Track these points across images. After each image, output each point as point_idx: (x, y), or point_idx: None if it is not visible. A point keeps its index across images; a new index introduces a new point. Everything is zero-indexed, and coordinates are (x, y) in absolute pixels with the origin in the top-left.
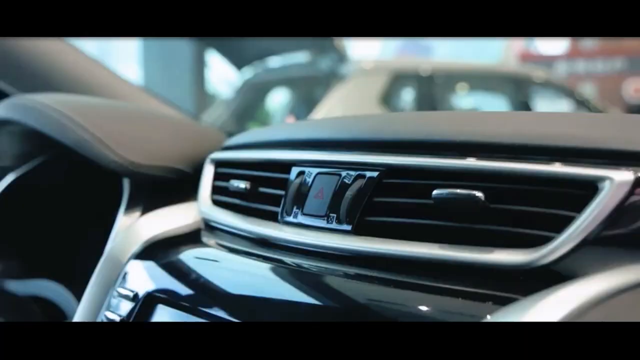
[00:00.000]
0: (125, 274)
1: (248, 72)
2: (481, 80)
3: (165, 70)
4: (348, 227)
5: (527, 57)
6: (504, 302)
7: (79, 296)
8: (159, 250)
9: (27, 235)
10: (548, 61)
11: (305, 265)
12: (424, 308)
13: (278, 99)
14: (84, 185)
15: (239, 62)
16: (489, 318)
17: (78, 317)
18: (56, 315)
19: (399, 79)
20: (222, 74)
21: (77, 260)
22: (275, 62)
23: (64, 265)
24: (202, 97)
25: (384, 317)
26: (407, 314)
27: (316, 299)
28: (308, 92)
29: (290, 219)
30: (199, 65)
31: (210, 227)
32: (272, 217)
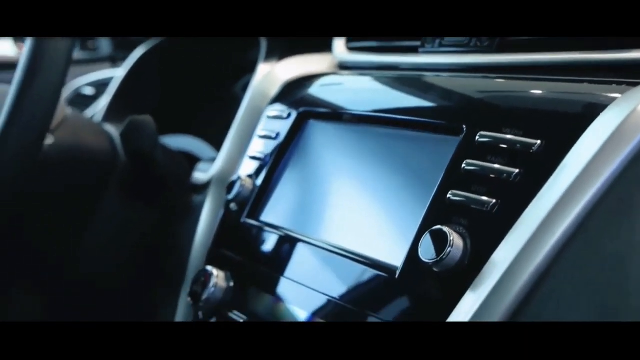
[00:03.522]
0: (271, 107)
1: None
2: None
3: None
4: (490, 46)
5: None
6: None
7: (217, 148)
8: (299, 86)
9: (173, 96)
10: None
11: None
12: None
13: None
14: (214, 56)
15: None
16: None
17: (220, 158)
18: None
19: None
20: None
21: (215, 118)
22: None
23: (204, 123)
24: None
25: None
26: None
27: (459, 101)
28: None
29: (430, 48)
30: None
31: (347, 68)
32: (411, 51)
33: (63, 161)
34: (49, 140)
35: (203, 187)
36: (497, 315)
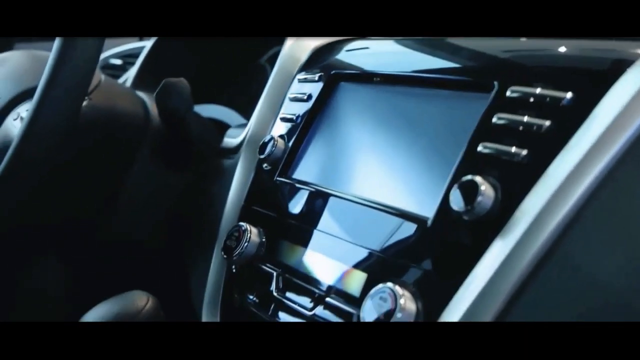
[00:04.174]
0: (299, 73)
1: None
2: None
3: None
4: None
5: None
6: None
7: (246, 116)
8: (328, 50)
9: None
10: None
11: None
12: None
13: None
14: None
15: None
16: None
17: (252, 121)
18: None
19: None
20: None
21: (243, 89)
22: None
23: (232, 93)
24: None
25: None
26: None
27: (489, 59)
28: None
29: None
30: None
31: None
32: None
33: (99, 123)
34: (86, 102)
35: (234, 151)
36: (526, 260)
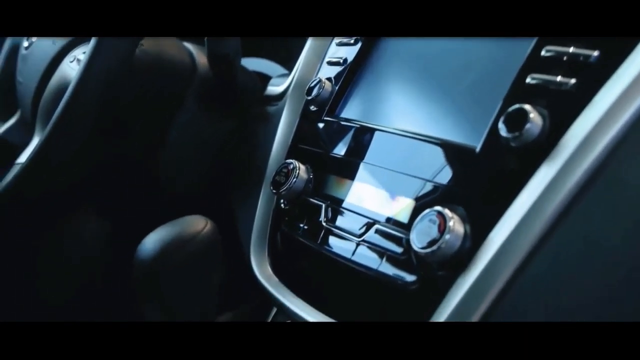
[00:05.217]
0: None
1: None
2: None
3: None
4: None
5: None
6: None
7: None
8: None
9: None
10: None
11: None
12: None
13: None
14: None
15: None
16: None
17: (299, 68)
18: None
19: None
20: None
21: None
22: None
23: (274, 45)
24: None
25: None
26: None
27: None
28: None
29: None
30: None
31: None
32: None
33: (149, 68)
34: (138, 48)
35: (278, 98)
36: (571, 183)
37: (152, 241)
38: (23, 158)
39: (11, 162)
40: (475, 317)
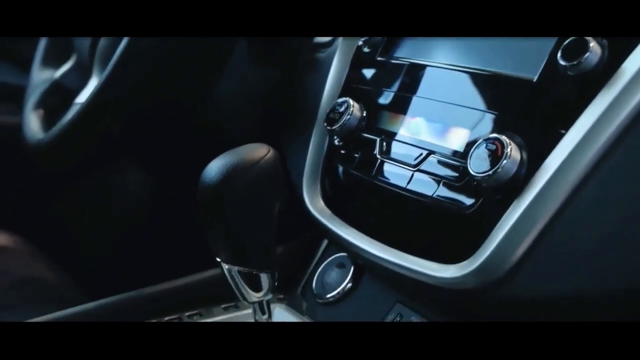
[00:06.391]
0: None
1: None
2: None
3: None
4: None
5: None
6: None
7: None
8: None
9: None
10: None
11: None
12: None
13: None
14: None
15: None
16: None
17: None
18: None
19: None
20: None
21: None
22: None
23: None
24: None
25: None
26: None
27: None
28: None
29: None
30: None
31: None
32: None
33: None
34: None
35: (327, 45)
36: (629, 108)
37: (216, 166)
38: (82, 98)
39: (70, 103)
40: (528, 241)
